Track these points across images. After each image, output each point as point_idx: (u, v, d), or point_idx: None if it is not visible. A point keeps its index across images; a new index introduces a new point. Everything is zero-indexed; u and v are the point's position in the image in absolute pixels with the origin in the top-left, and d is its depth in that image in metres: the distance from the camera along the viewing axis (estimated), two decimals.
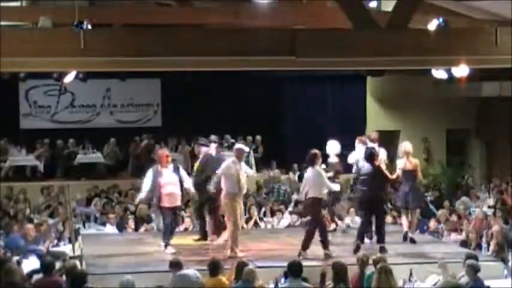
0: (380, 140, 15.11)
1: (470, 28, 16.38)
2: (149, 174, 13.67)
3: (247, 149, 13.81)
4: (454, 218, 16.64)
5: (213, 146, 14.71)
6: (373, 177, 13.57)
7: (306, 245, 13.04)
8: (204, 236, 14.51)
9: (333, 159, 14.95)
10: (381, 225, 13.74)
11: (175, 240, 14.04)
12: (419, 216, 16.82)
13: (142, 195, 13.90)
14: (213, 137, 15.06)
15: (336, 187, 14.09)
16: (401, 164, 14.25)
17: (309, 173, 13.21)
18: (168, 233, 13.61)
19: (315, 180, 13.07)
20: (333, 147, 15.04)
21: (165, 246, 13.55)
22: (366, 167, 13.68)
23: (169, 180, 13.55)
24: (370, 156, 13.70)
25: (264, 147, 23.16)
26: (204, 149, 14.55)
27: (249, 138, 23.40)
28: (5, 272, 10.05)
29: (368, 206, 13.68)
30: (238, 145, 14.09)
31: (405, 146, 14.53)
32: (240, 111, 23.52)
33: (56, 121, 24.30)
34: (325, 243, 13.08)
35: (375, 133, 15.45)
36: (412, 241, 14.22)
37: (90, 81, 22.24)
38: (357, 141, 14.95)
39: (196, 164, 14.64)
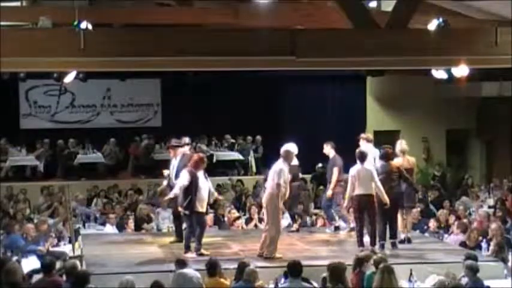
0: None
1: (470, 28, 16.38)
2: (187, 175, 12.99)
3: (295, 150, 13.60)
4: (453, 218, 16.63)
5: (187, 148, 14.58)
6: (389, 176, 13.59)
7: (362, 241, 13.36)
8: (180, 237, 14.31)
9: (293, 162, 15.02)
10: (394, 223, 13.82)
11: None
12: (419, 216, 16.89)
13: (176, 191, 13.14)
14: (186, 139, 14.81)
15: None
16: (398, 162, 14.22)
17: (358, 169, 13.33)
18: (191, 237, 13.17)
19: (366, 176, 13.25)
20: (294, 149, 15.14)
21: (188, 250, 13.10)
22: (380, 166, 13.73)
23: (203, 185, 13.18)
24: (385, 155, 13.77)
25: (264, 147, 23.15)
26: (180, 150, 14.37)
27: (249, 138, 23.42)
28: (5, 272, 10.05)
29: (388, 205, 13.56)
30: (287, 147, 13.36)
31: (401, 144, 14.51)
32: (240, 111, 23.52)
33: (56, 121, 24.30)
34: (372, 240, 13.29)
35: (370, 134, 15.37)
36: (408, 241, 14.19)
37: (90, 81, 22.23)
38: (361, 140, 14.87)
39: (174, 164, 14.34)
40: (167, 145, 14.77)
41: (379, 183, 13.26)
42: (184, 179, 12.93)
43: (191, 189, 12.90)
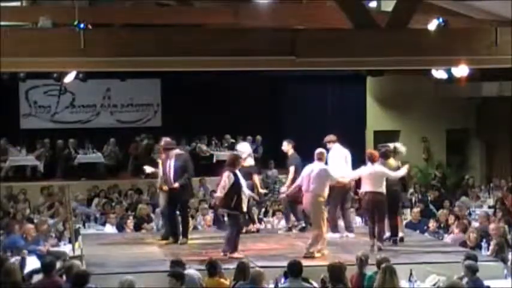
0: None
1: (470, 28, 16.38)
2: (231, 176, 12.86)
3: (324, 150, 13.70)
4: (453, 218, 16.63)
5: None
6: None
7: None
8: (175, 237, 14.27)
9: (250, 161, 15.09)
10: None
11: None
12: (419, 216, 16.90)
13: (219, 194, 13.04)
14: (173, 141, 14.84)
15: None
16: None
17: (370, 168, 13.44)
18: (237, 238, 13.13)
19: (377, 175, 13.42)
20: (245, 149, 15.28)
21: (232, 251, 12.97)
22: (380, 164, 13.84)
23: (243, 184, 13.16)
24: (384, 154, 13.91)
25: (264, 147, 23.16)
26: (176, 151, 14.37)
27: (249, 138, 23.41)
28: (5, 272, 10.05)
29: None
30: (320, 149, 13.53)
31: (398, 146, 14.57)
32: (240, 111, 23.53)
33: (56, 121, 24.32)
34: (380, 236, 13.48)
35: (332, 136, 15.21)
36: (401, 240, 14.24)
37: (90, 81, 22.26)
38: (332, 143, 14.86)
39: (171, 165, 14.29)
40: (161, 146, 14.69)
41: (393, 174, 13.57)
42: (228, 180, 12.85)
43: (236, 189, 12.84)
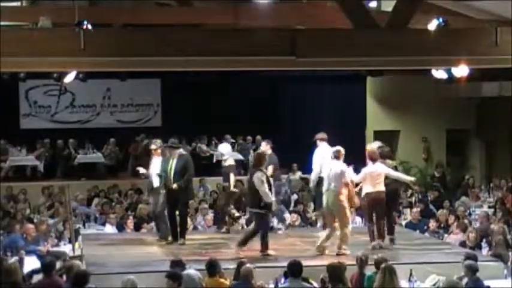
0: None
1: (470, 28, 16.36)
2: (263, 175, 12.96)
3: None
4: (453, 218, 16.63)
5: (159, 150, 14.67)
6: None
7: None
8: (175, 238, 14.34)
9: (230, 161, 15.38)
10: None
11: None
12: (419, 216, 16.90)
13: (271, 196, 13.06)
14: (158, 142, 14.90)
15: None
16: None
17: (371, 168, 13.52)
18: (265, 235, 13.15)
19: (378, 174, 13.52)
20: (225, 150, 15.67)
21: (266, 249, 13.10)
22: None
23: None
24: (383, 154, 13.97)
25: None
26: (177, 151, 14.42)
27: (249, 138, 23.41)
28: (5, 272, 10.05)
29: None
30: (337, 147, 13.60)
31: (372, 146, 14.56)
32: (240, 111, 23.53)
33: (56, 121, 24.32)
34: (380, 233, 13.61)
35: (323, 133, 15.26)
36: (392, 240, 14.29)
37: (90, 81, 22.26)
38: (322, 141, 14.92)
39: (172, 165, 14.26)
40: (156, 146, 14.72)
41: (396, 174, 13.76)
42: (265, 179, 12.93)
43: (268, 188, 12.94)
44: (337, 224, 13.12)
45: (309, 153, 15.17)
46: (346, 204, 13.09)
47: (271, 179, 13.28)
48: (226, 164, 15.40)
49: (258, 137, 23.48)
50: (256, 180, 12.87)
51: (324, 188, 13.31)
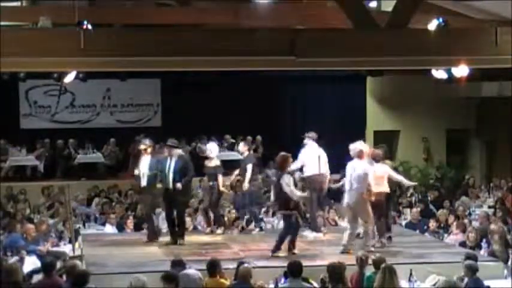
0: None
1: (470, 28, 16.37)
2: (290, 177, 13.18)
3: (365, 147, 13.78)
4: (452, 218, 16.64)
5: (149, 149, 14.73)
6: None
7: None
8: (174, 238, 14.34)
9: (216, 162, 15.42)
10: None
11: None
12: (419, 216, 16.90)
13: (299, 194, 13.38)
14: (147, 141, 14.89)
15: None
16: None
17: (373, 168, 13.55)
18: (286, 237, 13.26)
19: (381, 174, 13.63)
20: (213, 149, 15.62)
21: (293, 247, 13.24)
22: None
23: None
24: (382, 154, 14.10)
25: (264, 147, 23.14)
26: (178, 151, 14.42)
27: (249, 138, 23.38)
28: (5, 272, 10.05)
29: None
30: (358, 145, 13.56)
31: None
32: (240, 111, 23.53)
33: (56, 121, 24.31)
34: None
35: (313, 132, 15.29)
36: (389, 238, 14.36)
37: (90, 81, 22.26)
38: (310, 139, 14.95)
39: (170, 165, 14.25)
40: (146, 146, 14.73)
41: (398, 177, 14.00)
42: (290, 181, 13.05)
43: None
44: (356, 223, 13.21)
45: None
46: (368, 203, 13.15)
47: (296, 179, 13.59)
48: (213, 164, 15.39)
49: (258, 137, 23.51)
50: (284, 184, 13.00)
51: (346, 187, 13.31)
